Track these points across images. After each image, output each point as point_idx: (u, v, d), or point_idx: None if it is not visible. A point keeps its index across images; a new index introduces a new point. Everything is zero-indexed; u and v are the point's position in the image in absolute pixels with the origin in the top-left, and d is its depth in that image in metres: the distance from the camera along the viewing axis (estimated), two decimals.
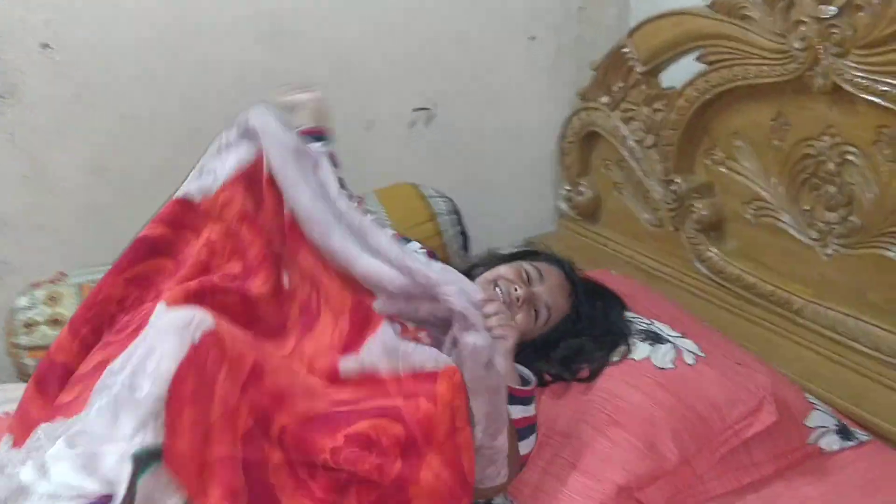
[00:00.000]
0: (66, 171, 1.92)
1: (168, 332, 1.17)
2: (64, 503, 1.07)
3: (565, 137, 2.30)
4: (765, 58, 1.64)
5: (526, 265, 1.58)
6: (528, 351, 1.50)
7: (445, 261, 1.98)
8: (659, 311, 1.65)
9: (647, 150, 2.02)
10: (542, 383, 1.51)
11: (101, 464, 1.08)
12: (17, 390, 1.80)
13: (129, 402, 1.10)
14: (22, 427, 1.27)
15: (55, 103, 1.86)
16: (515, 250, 1.74)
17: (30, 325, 1.80)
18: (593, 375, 1.47)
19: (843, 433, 1.47)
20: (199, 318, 1.18)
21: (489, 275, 1.56)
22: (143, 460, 1.07)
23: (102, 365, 1.22)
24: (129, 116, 1.93)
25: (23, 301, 1.83)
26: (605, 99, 2.13)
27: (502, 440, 1.24)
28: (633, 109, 2.05)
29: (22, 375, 1.84)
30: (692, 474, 1.37)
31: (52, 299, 1.83)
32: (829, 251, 1.65)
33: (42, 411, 1.28)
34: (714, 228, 1.91)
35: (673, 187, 1.95)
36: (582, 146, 2.26)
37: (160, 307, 1.23)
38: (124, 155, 1.96)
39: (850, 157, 1.57)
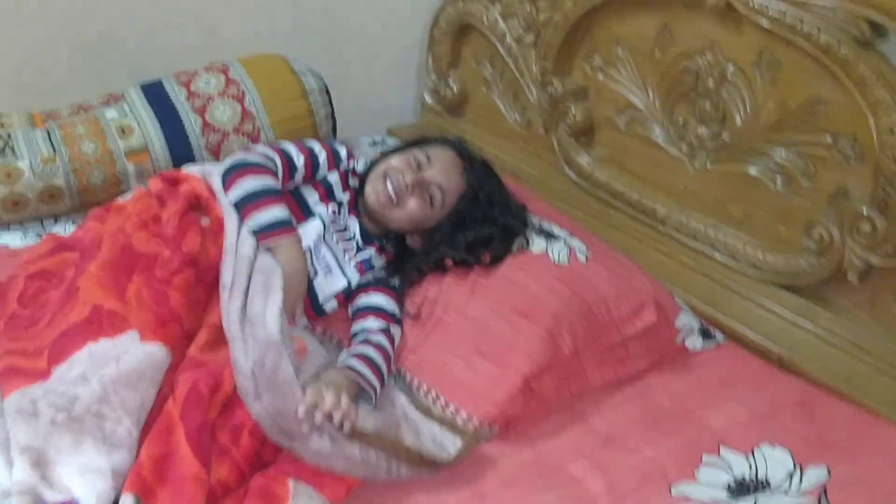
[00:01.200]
0: None
1: (142, 376, 1.15)
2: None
3: (437, 26, 2.25)
4: None
5: (415, 151, 1.59)
6: (435, 236, 1.51)
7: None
8: (537, 211, 1.69)
9: (526, 48, 2.02)
10: (443, 269, 1.52)
11: (57, 474, 1.07)
12: None
13: (97, 432, 1.10)
14: None
15: None
16: (410, 140, 1.72)
17: None
18: (495, 262, 1.50)
19: (705, 334, 1.60)
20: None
21: (380, 169, 1.58)
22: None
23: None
24: None
25: None
26: None
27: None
28: (514, 5, 2.04)
29: None
30: (578, 364, 1.44)
31: None
32: (697, 165, 1.76)
33: None
34: (585, 134, 1.96)
35: (549, 89, 1.97)
36: (455, 38, 2.22)
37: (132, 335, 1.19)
38: None
39: (729, 76, 1.65)
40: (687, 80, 1.73)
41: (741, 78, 1.64)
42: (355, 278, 1.54)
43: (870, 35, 1.40)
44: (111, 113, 1.81)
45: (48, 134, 1.73)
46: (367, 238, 1.59)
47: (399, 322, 1.49)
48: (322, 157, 1.59)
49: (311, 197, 1.57)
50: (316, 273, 1.50)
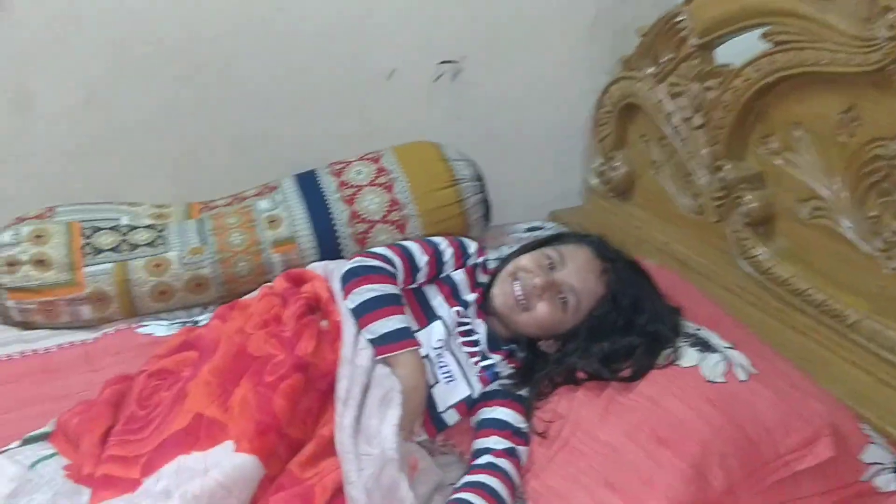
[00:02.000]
0: (56, 99, 1.76)
1: (228, 492, 1.11)
2: None
3: (602, 106, 2.13)
4: (842, 44, 1.46)
5: (548, 250, 1.48)
6: (569, 343, 1.39)
7: (464, 231, 1.85)
8: (701, 312, 1.51)
9: (694, 130, 1.85)
10: (575, 381, 1.37)
11: None
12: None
13: None
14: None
15: (47, 22, 1.68)
16: (543, 237, 1.60)
17: (13, 264, 1.66)
18: (635, 376, 1.33)
19: None
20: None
21: (509, 268, 1.47)
22: None
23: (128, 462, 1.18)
24: (129, 44, 1.76)
25: (6, 237, 1.68)
26: (650, 69, 1.96)
27: None
28: (681, 84, 1.88)
29: (3, 317, 1.70)
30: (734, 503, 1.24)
31: (39, 237, 1.68)
32: (894, 264, 1.50)
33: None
34: (762, 224, 1.75)
35: (720, 174, 1.78)
36: (619, 118, 2.09)
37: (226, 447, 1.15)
38: (120, 86, 1.79)
39: None
40: (879, 169, 1.49)
41: None
42: (479, 388, 1.42)
43: None
44: (263, 204, 1.82)
45: (201, 224, 1.77)
46: (494, 343, 1.46)
47: (527, 440, 1.34)
48: (448, 253, 1.51)
49: (436, 298, 1.48)
50: (436, 381, 1.39)
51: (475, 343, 1.46)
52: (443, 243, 1.53)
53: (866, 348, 1.54)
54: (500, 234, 2.01)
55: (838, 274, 1.61)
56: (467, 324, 1.47)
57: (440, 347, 1.42)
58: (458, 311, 1.47)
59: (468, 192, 1.88)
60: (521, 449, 1.33)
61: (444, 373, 1.40)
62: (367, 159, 1.91)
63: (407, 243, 1.52)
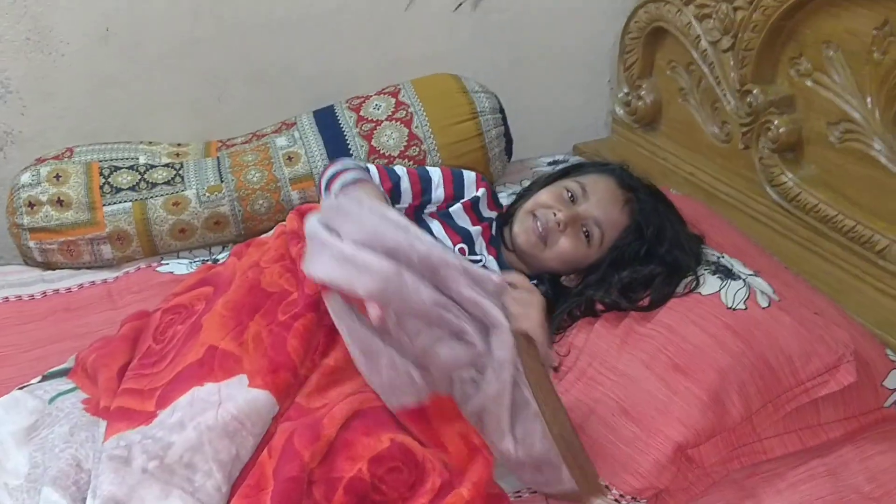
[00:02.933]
0: (72, 35, 1.74)
1: (241, 425, 1.09)
2: None
3: (628, 32, 2.05)
4: None
5: (567, 182, 1.44)
6: (590, 276, 1.36)
7: (485, 166, 1.82)
8: (727, 242, 1.47)
9: (723, 53, 1.78)
10: (594, 313, 1.35)
11: None
12: (20, 273, 1.69)
13: (186, 485, 1.04)
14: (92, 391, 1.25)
15: None
16: (561, 168, 1.56)
17: (33, 205, 1.67)
18: (654, 305, 1.30)
19: None
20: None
21: (528, 205, 1.44)
22: None
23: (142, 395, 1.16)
24: None
25: (26, 177, 1.69)
26: None
27: (540, 447, 1.08)
28: (709, 5, 1.80)
29: (24, 257, 1.72)
30: (752, 431, 1.22)
31: (58, 178, 1.69)
32: None
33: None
34: (791, 150, 1.69)
35: (749, 98, 1.72)
36: (646, 44, 2.02)
37: (241, 380, 1.13)
38: (136, 21, 1.77)
39: None
40: None
41: None
42: None
43: None
44: (281, 141, 1.80)
45: (218, 162, 1.76)
46: None
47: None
48: (436, 177, 1.48)
49: (438, 232, 1.45)
50: None
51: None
52: (435, 174, 1.50)
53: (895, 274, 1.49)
54: (522, 168, 1.97)
55: (869, 199, 1.55)
56: (478, 260, 1.44)
57: None
58: (461, 249, 1.44)
59: (489, 124, 1.84)
60: None
61: None
62: (386, 93, 1.87)
63: (395, 167, 1.50)
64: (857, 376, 1.23)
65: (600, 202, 1.39)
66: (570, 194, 1.40)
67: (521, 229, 1.42)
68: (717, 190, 1.87)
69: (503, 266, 1.46)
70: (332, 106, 1.88)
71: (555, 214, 1.38)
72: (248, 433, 1.09)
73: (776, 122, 1.68)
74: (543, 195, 1.43)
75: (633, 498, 1.15)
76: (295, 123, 1.86)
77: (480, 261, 1.45)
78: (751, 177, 1.79)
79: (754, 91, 1.71)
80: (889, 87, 1.46)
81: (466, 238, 1.47)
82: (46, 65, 1.74)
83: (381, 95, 1.87)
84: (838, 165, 1.60)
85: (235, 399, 1.10)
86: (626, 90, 2.12)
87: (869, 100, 1.52)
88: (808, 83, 1.63)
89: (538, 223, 1.39)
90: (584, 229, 1.38)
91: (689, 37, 1.87)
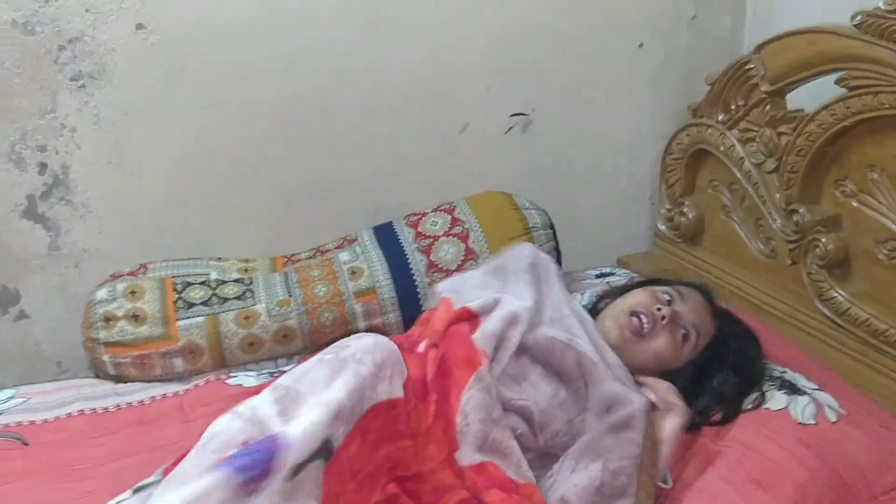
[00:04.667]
0: (150, 158, 1.84)
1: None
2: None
3: (670, 153, 2.15)
4: None
5: (660, 287, 1.49)
6: (676, 382, 1.39)
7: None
8: (786, 357, 1.52)
9: (767, 174, 1.87)
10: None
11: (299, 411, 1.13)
12: (93, 386, 1.73)
13: (354, 381, 1.15)
14: None
15: (144, 86, 1.78)
16: (645, 279, 1.62)
17: (108, 320, 1.73)
18: (726, 420, 1.35)
19: None
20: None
21: (623, 304, 1.47)
22: (323, 451, 1.10)
23: None
24: (218, 104, 1.84)
25: (102, 293, 1.76)
26: (721, 116, 1.98)
27: None
28: (753, 130, 1.90)
29: (96, 371, 1.76)
30: None
31: (133, 293, 1.75)
32: None
33: None
34: (839, 266, 1.75)
35: (795, 218, 1.80)
36: (689, 164, 2.12)
37: None
38: (210, 143, 1.87)
39: None
40: None
41: None
42: None
43: None
44: (344, 256, 1.88)
45: (286, 277, 1.83)
46: None
47: None
48: None
49: None
50: None
51: None
52: None
53: None
54: (571, 280, 2.03)
55: None
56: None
57: None
58: None
59: (541, 240, 1.92)
60: None
61: None
62: (442, 210, 1.96)
63: None
64: None
65: (696, 309, 1.45)
66: (668, 297, 1.45)
67: (615, 324, 1.45)
68: (766, 304, 1.92)
69: None
70: (390, 222, 1.96)
71: (658, 309, 1.41)
72: None
73: (823, 240, 1.74)
74: (639, 295, 1.47)
75: None
76: (356, 239, 1.94)
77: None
78: (799, 291, 1.84)
79: (800, 210, 1.78)
80: None
81: None
82: (125, 185, 1.82)
83: (438, 212, 1.95)
84: (887, 282, 1.66)
85: None
86: (668, 206, 2.21)
87: None
88: (854, 203, 1.71)
89: (640, 318, 1.41)
90: (683, 331, 1.42)
91: (732, 158, 1.96)
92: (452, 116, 2.06)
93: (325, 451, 1.11)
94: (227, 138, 1.87)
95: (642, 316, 1.41)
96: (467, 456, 1.23)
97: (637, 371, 1.45)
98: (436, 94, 2.02)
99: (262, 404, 1.15)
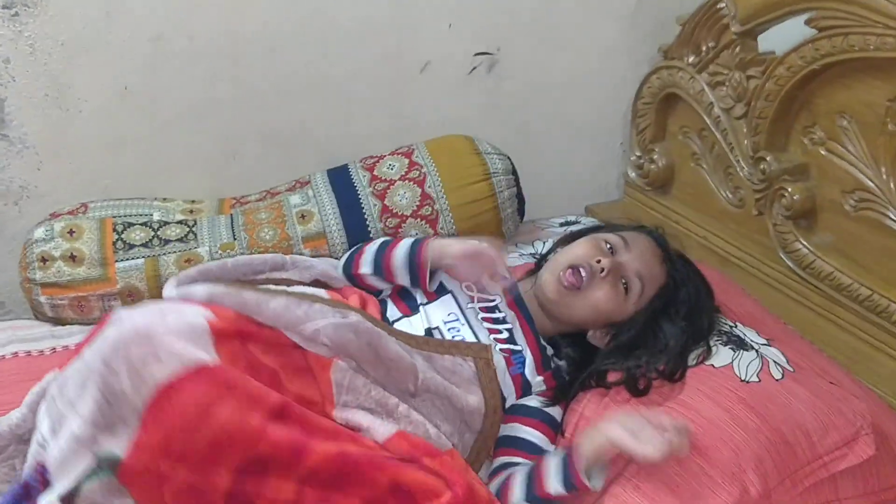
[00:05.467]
0: (92, 93, 1.76)
1: (181, 333, 1.07)
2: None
3: (641, 97, 2.07)
4: (891, 28, 1.40)
5: (606, 234, 1.42)
6: (622, 336, 1.34)
7: (497, 226, 1.82)
8: (741, 311, 1.46)
9: (736, 120, 1.80)
10: (605, 385, 1.33)
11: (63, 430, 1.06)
12: (30, 328, 1.68)
13: (103, 386, 1.03)
14: None
15: (83, 17, 1.69)
16: (592, 226, 1.55)
17: (45, 260, 1.67)
18: (674, 376, 1.29)
19: None
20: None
21: (563, 257, 1.40)
22: (102, 466, 1.02)
23: None
24: (163, 39, 1.76)
25: (39, 232, 1.70)
26: (691, 58, 1.90)
27: None
28: (723, 73, 1.82)
29: (35, 312, 1.71)
30: None
31: (71, 233, 1.69)
32: None
33: None
34: (805, 217, 1.69)
35: (762, 166, 1.73)
36: (658, 109, 2.04)
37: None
38: (155, 80, 1.79)
39: None
40: None
41: None
42: (501, 365, 1.35)
43: None
44: (295, 199, 1.81)
45: (231, 220, 1.77)
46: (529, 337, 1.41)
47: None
48: None
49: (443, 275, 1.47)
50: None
51: (499, 319, 1.41)
52: None
53: None
54: (534, 228, 1.98)
55: (884, 268, 1.55)
56: (493, 305, 1.42)
57: (454, 320, 1.39)
58: (468, 286, 1.43)
59: (501, 186, 1.85)
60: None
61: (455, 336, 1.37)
62: (399, 153, 1.88)
63: None
64: (875, 449, 1.21)
65: (642, 256, 1.37)
66: (609, 246, 1.38)
67: (552, 277, 1.38)
68: (731, 255, 1.87)
69: (529, 323, 1.43)
70: (345, 165, 1.89)
71: (598, 261, 1.34)
72: None
73: (790, 190, 1.68)
74: (579, 247, 1.39)
75: None
76: (309, 182, 1.87)
77: (494, 305, 1.43)
78: (765, 243, 1.79)
79: (768, 158, 1.71)
80: None
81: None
82: (64, 121, 1.76)
83: (395, 156, 1.88)
84: (853, 234, 1.60)
85: None
86: (638, 154, 2.13)
87: (883, 170, 1.52)
88: (822, 152, 1.64)
89: (579, 271, 1.34)
90: (624, 281, 1.35)
91: (701, 103, 1.88)
92: (412, 55, 1.97)
93: (104, 464, 1.03)
94: (172, 75, 1.80)
95: (581, 269, 1.34)
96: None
97: (579, 326, 1.40)
98: (395, 31, 1.93)
99: (41, 423, 1.11)
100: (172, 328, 1.07)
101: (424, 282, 1.42)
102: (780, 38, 1.68)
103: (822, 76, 1.58)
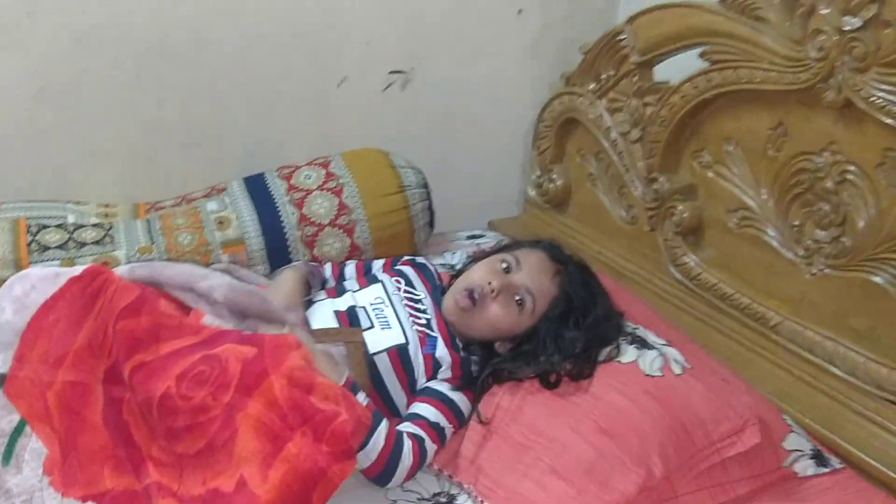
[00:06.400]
0: (5, 90, 1.74)
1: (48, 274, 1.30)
2: None
3: (542, 121, 2.21)
4: (775, 63, 1.57)
5: (502, 254, 1.53)
6: (523, 345, 1.44)
7: (409, 236, 1.90)
8: (637, 315, 1.59)
9: (632, 144, 1.95)
10: (518, 378, 1.42)
11: None
12: None
13: None
14: None
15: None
16: (497, 246, 1.67)
17: None
18: (580, 375, 1.40)
19: (818, 458, 1.44)
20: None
21: (463, 281, 1.52)
22: None
23: None
24: (83, 36, 1.76)
25: None
26: (591, 85, 2.05)
27: None
28: (621, 100, 1.98)
29: None
30: (670, 489, 1.32)
31: None
32: (814, 270, 1.61)
33: None
34: (693, 233, 1.85)
35: (655, 186, 1.88)
36: (559, 132, 2.18)
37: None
38: (73, 81, 1.79)
39: (850, 177, 1.52)
40: (804, 181, 1.60)
41: (863, 179, 1.50)
42: (415, 341, 1.46)
43: None
44: (212, 205, 1.84)
45: (149, 224, 1.78)
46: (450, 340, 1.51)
47: (441, 438, 1.39)
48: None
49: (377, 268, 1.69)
50: (371, 325, 1.47)
51: (421, 309, 1.52)
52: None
53: (787, 349, 1.65)
54: (443, 240, 2.07)
55: (762, 279, 1.72)
56: (418, 298, 1.54)
57: (380, 302, 1.51)
58: (397, 280, 1.57)
59: (415, 198, 1.93)
60: (431, 445, 1.37)
61: (380, 319, 1.48)
62: (317, 164, 1.94)
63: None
64: (760, 438, 1.35)
65: (531, 272, 1.48)
66: (505, 265, 1.49)
67: (452, 300, 1.50)
68: (624, 268, 2.01)
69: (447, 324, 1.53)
70: (262, 174, 1.93)
71: (489, 283, 1.46)
72: None
73: (680, 208, 1.84)
74: (477, 271, 1.51)
75: None
76: (225, 189, 1.89)
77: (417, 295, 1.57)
78: (655, 257, 1.94)
79: (660, 179, 1.87)
80: (781, 181, 1.65)
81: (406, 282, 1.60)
82: None
83: (312, 166, 1.93)
84: (735, 248, 1.77)
85: None
86: (538, 173, 2.27)
87: (764, 191, 1.69)
88: (710, 174, 1.80)
89: (473, 293, 1.46)
90: (517, 297, 1.46)
91: (599, 127, 2.03)
92: (332, 69, 2.04)
93: None
94: (91, 74, 1.80)
95: (474, 292, 1.46)
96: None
97: (483, 340, 1.50)
98: (316, 44, 2.00)
99: None
100: (46, 272, 1.31)
101: None
102: (675, 69, 1.84)
103: (713, 105, 1.74)
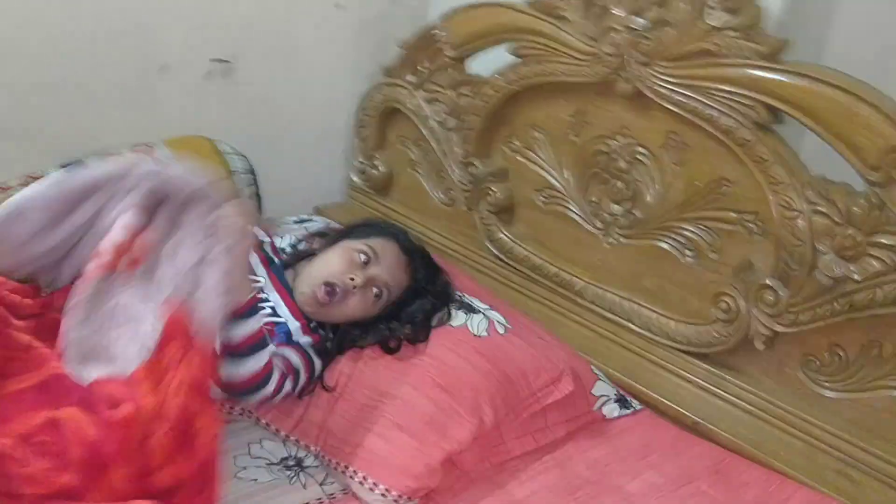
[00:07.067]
0: None
1: None
2: None
3: (364, 110, 2.32)
4: (575, 58, 1.76)
5: (359, 245, 1.55)
6: (370, 326, 1.53)
7: None
8: (461, 286, 1.73)
9: (449, 131, 2.10)
10: (388, 350, 1.51)
11: None
12: None
13: None
14: None
15: None
16: (346, 228, 1.72)
17: None
18: (418, 340, 1.51)
19: (622, 402, 1.65)
20: None
21: (320, 271, 1.53)
22: None
23: None
24: None
25: None
26: (410, 77, 2.18)
27: None
28: (438, 91, 2.12)
29: None
30: (499, 436, 1.47)
31: None
32: (611, 240, 1.83)
33: None
34: (506, 211, 2.03)
35: (471, 170, 2.05)
36: (380, 121, 2.30)
37: None
38: None
39: (640, 157, 1.74)
40: (600, 162, 1.82)
41: (651, 159, 1.73)
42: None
43: (767, 118, 1.50)
44: None
45: None
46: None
47: (295, 379, 1.45)
48: None
49: None
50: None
51: (260, 299, 1.51)
52: None
53: (591, 310, 1.87)
54: (272, 225, 2.12)
55: (567, 250, 1.92)
56: (258, 286, 1.54)
57: None
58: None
59: (241, 184, 1.99)
60: (289, 382, 1.44)
61: None
62: (139, 151, 1.94)
63: None
64: (574, 386, 1.54)
65: (390, 266, 1.55)
66: (364, 258, 1.53)
67: (310, 291, 1.51)
68: (446, 247, 2.16)
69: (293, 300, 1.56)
70: (80, 160, 1.90)
71: (352, 280, 1.49)
72: None
73: (494, 189, 2.01)
74: (335, 262, 1.53)
75: (408, 498, 1.34)
76: (42, 176, 1.86)
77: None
78: (472, 234, 2.11)
79: (475, 163, 2.04)
80: (581, 162, 1.86)
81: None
82: None
83: (136, 153, 1.93)
84: (543, 224, 1.96)
85: None
86: (361, 160, 2.38)
87: (566, 171, 1.90)
88: (519, 158, 1.99)
89: (335, 289, 1.49)
90: (376, 291, 1.52)
91: (419, 116, 2.17)
92: (151, 57, 2.04)
93: None
94: None
95: (336, 287, 1.49)
96: None
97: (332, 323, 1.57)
98: (134, 31, 1.99)
99: None
100: None
101: None
102: (488, 62, 2.00)
103: (521, 96, 1.92)
